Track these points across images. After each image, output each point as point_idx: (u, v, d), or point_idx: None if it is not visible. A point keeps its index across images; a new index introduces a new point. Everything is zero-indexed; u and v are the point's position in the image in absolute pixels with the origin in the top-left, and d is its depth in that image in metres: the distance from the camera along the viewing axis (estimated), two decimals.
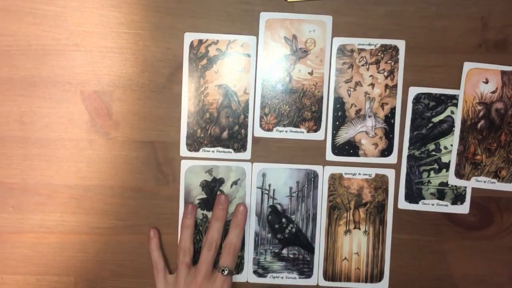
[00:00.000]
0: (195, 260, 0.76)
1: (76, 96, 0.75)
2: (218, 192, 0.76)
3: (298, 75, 0.74)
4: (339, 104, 0.75)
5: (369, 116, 0.75)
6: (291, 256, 0.78)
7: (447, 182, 0.76)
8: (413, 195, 0.76)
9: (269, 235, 0.77)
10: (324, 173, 0.76)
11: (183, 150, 0.75)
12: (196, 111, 0.75)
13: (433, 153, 0.76)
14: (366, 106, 0.75)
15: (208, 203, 0.76)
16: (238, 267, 0.77)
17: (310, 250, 0.77)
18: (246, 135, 0.75)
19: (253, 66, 0.74)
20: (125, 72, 0.74)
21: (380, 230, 0.77)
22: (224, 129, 0.75)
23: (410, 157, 0.76)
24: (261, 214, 0.77)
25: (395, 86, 0.74)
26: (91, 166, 0.76)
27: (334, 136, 0.76)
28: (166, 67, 0.74)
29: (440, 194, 0.76)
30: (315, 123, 0.75)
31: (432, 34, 0.73)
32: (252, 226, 0.77)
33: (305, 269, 0.78)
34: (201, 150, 0.75)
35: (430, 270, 0.78)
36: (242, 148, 0.75)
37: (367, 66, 0.74)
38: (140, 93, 0.75)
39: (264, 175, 0.76)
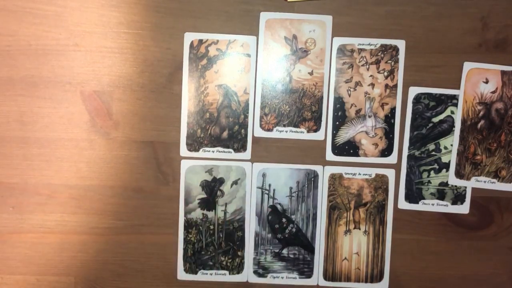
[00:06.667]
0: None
1: (76, 96, 0.75)
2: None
3: (298, 75, 0.74)
4: (339, 104, 0.75)
5: (369, 116, 0.75)
6: (291, 256, 0.78)
7: (447, 182, 0.76)
8: (413, 195, 0.76)
9: (269, 235, 0.77)
10: (324, 173, 0.76)
11: (183, 150, 0.75)
12: (196, 111, 0.75)
13: (433, 153, 0.76)
14: (366, 106, 0.75)
15: (208, 203, 0.76)
16: (238, 267, 0.77)
17: (310, 250, 0.77)
18: (246, 135, 0.75)
19: (253, 66, 0.74)
20: (125, 72, 0.74)
21: (380, 230, 0.77)
22: (224, 129, 0.75)
23: (410, 157, 0.76)
24: (261, 214, 0.77)
25: (395, 86, 0.74)
26: (91, 166, 0.76)
27: (334, 136, 0.75)
28: (166, 67, 0.74)
29: (440, 194, 0.76)
30: (315, 123, 0.75)
31: (432, 34, 0.73)
32: (252, 226, 0.77)
33: (305, 269, 0.78)
34: (201, 150, 0.75)
35: (430, 270, 0.78)
36: (242, 148, 0.75)
37: (367, 66, 0.74)
38: (140, 93, 0.75)
39: (264, 175, 0.76)
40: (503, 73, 0.74)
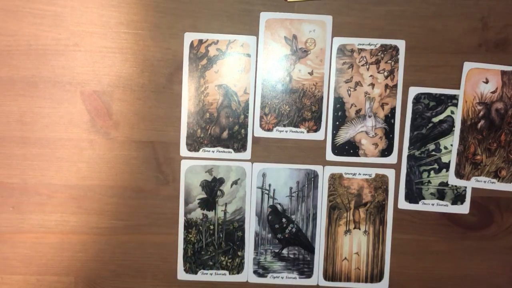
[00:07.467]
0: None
1: (76, 96, 0.75)
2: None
3: (298, 75, 0.74)
4: (339, 104, 0.75)
5: (369, 116, 0.75)
6: (291, 256, 0.78)
7: (447, 182, 0.76)
8: (413, 195, 0.76)
9: (269, 235, 0.77)
10: (324, 173, 0.76)
11: (183, 150, 0.75)
12: (196, 111, 0.75)
13: (433, 153, 0.76)
14: (366, 106, 0.75)
15: (208, 203, 0.76)
16: (238, 267, 0.77)
17: (310, 250, 0.77)
18: (246, 135, 0.75)
19: (253, 66, 0.74)
20: (125, 72, 0.74)
21: (380, 230, 0.77)
22: (224, 129, 0.75)
23: (410, 157, 0.76)
24: (261, 214, 0.77)
25: (395, 86, 0.74)
26: (91, 166, 0.76)
27: (334, 136, 0.75)
28: (166, 67, 0.74)
29: (440, 194, 0.76)
30: (315, 123, 0.75)
31: (432, 34, 0.73)
32: (252, 226, 0.77)
33: (305, 269, 0.78)
34: (201, 150, 0.75)
35: (430, 270, 0.78)
36: (242, 148, 0.75)
37: (367, 66, 0.74)
38: (140, 93, 0.75)
39: (264, 175, 0.76)
40: (503, 73, 0.74)
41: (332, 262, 0.78)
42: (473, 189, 0.76)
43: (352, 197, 0.77)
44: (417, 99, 0.75)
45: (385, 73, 0.74)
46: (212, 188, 0.76)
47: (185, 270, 0.77)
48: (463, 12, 0.73)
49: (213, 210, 0.77)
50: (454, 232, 0.77)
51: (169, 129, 0.75)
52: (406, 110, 0.75)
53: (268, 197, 0.77)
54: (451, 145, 0.75)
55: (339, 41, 0.74)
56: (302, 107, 0.75)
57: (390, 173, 0.76)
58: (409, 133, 0.75)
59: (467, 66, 0.74)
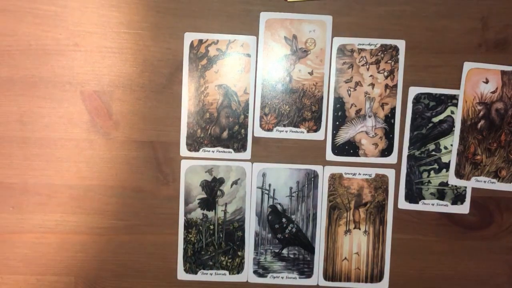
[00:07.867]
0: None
1: (76, 96, 0.75)
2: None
3: (298, 75, 0.74)
4: (339, 104, 0.75)
5: (369, 116, 0.75)
6: (291, 256, 0.78)
7: (447, 182, 0.76)
8: (413, 195, 0.76)
9: (269, 235, 0.77)
10: (324, 173, 0.76)
11: (183, 150, 0.75)
12: (196, 111, 0.75)
13: (433, 153, 0.76)
14: (366, 106, 0.75)
15: (208, 203, 0.76)
16: (238, 267, 0.77)
17: (310, 250, 0.77)
18: (246, 135, 0.75)
19: (253, 66, 0.74)
20: (125, 72, 0.74)
21: (380, 230, 0.77)
22: (224, 129, 0.75)
23: (410, 157, 0.76)
24: (261, 214, 0.77)
25: (395, 86, 0.74)
26: (91, 166, 0.76)
27: (334, 136, 0.75)
28: (166, 67, 0.74)
29: (440, 194, 0.76)
30: (315, 123, 0.75)
31: (432, 34, 0.73)
32: (252, 226, 0.77)
33: (305, 269, 0.78)
34: (201, 150, 0.75)
35: (430, 270, 0.78)
36: (242, 148, 0.75)
37: (367, 66, 0.74)
38: (140, 93, 0.75)
39: (264, 175, 0.76)
40: (503, 73, 0.74)
41: (332, 262, 0.78)
42: (473, 189, 0.76)
43: (352, 197, 0.77)
44: (417, 99, 0.75)
45: (385, 73, 0.74)
46: (212, 188, 0.76)
47: (185, 270, 0.77)
48: (463, 12, 0.73)
49: (213, 210, 0.77)
50: (454, 232, 0.77)
51: (169, 129, 0.75)
52: (406, 110, 0.75)
53: (268, 197, 0.77)
54: (451, 145, 0.75)
55: (339, 41, 0.74)
56: (302, 107, 0.75)
57: (390, 173, 0.76)
58: (409, 133, 0.75)
59: (467, 66, 0.74)
